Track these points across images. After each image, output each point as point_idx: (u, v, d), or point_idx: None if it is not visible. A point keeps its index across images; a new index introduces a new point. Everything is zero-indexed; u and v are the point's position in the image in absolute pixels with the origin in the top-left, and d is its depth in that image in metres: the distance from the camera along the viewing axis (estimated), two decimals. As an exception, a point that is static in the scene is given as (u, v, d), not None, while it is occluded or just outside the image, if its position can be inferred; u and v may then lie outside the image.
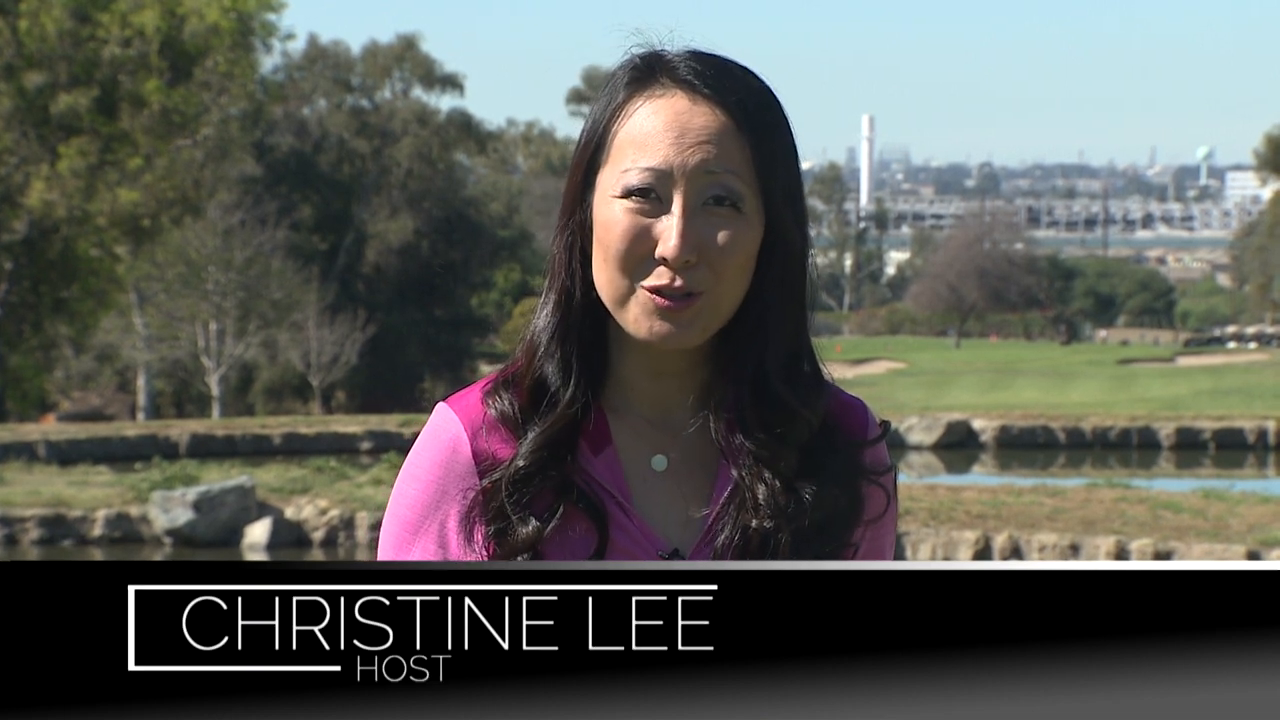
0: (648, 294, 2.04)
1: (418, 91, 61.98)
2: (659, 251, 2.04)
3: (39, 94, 35.70)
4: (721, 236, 2.04)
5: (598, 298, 2.10)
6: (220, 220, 47.03)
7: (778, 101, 2.11)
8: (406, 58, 61.22)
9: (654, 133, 2.06)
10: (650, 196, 2.05)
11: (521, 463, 2.07)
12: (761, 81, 2.11)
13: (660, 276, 2.04)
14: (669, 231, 2.03)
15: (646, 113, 2.07)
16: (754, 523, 2.07)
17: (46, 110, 35.82)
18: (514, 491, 2.07)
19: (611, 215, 2.06)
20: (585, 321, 2.11)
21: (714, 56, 2.11)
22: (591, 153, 2.10)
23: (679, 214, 2.04)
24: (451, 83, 61.91)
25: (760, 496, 2.07)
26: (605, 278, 2.07)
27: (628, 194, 2.05)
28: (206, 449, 28.58)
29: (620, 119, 2.09)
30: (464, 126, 61.78)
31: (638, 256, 2.05)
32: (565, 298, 2.11)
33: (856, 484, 2.12)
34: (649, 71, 2.10)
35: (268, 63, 48.24)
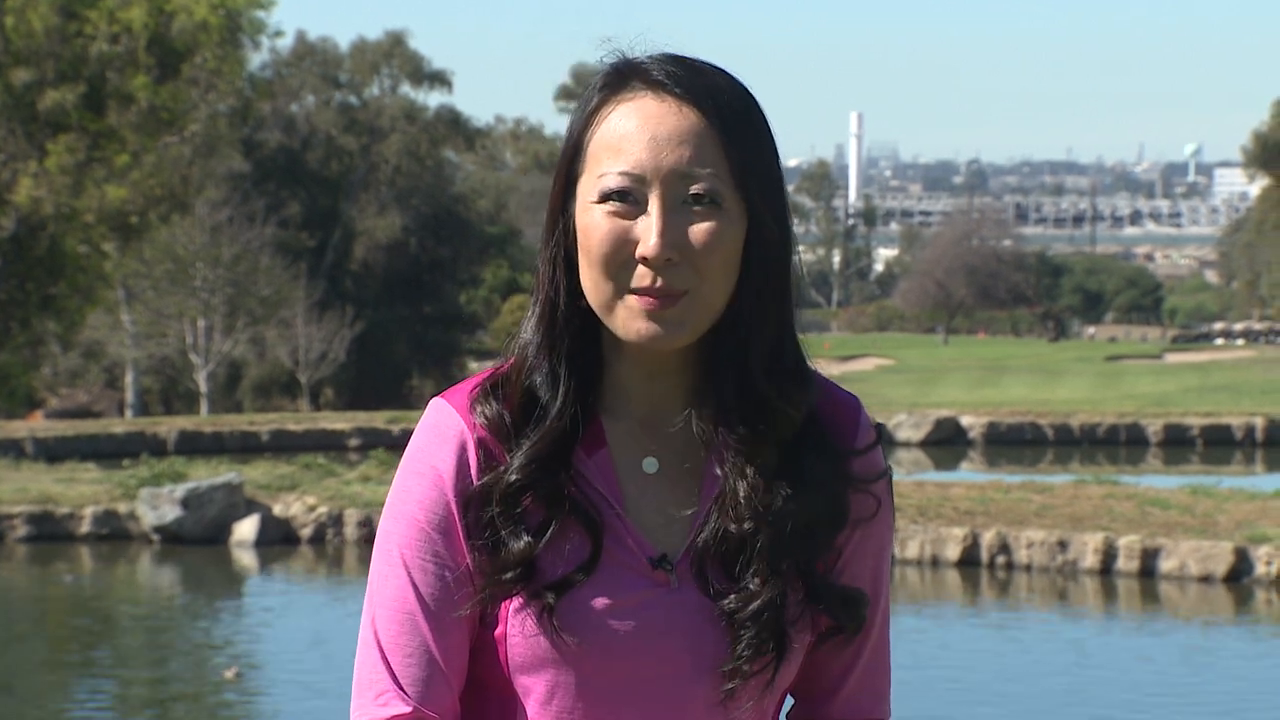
0: (633, 296, 2.04)
1: (406, 88, 61.92)
2: (639, 252, 2.03)
3: (26, 91, 35.63)
4: (702, 233, 2.04)
5: (586, 305, 2.09)
6: (208, 217, 46.96)
7: (752, 98, 2.10)
8: (394, 54, 61.14)
9: (627, 136, 2.06)
10: (628, 199, 2.04)
11: (513, 477, 2.07)
12: (734, 80, 2.10)
13: (642, 278, 2.03)
14: (648, 231, 2.03)
15: (619, 117, 2.07)
16: (732, 526, 2.06)
17: (34, 107, 35.74)
18: (505, 507, 2.06)
19: (591, 220, 2.05)
20: (572, 330, 2.10)
21: (686, 58, 2.10)
22: (570, 161, 2.10)
23: (657, 213, 2.03)
24: (439, 79, 61.84)
25: (741, 495, 2.07)
26: (590, 283, 2.06)
27: (605, 198, 2.05)
28: (194, 446, 28.56)
29: (594, 125, 2.08)
30: (452, 123, 61.71)
31: (619, 260, 2.04)
32: (550, 309, 2.10)
33: (842, 491, 2.11)
34: (622, 76, 2.09)
35: (256, 59, 48.10)
